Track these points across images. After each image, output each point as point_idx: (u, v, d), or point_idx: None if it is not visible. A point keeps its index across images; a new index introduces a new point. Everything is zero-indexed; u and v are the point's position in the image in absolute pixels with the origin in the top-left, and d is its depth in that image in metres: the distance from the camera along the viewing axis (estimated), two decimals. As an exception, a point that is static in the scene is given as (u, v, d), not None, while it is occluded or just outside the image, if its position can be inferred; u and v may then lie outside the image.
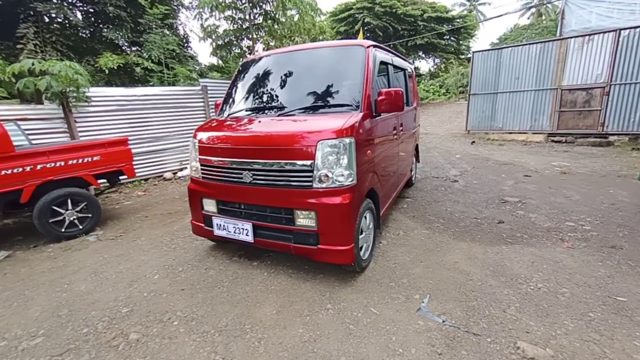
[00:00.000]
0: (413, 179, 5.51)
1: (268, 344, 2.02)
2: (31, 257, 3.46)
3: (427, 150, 8.98)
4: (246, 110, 3.05)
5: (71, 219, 3.85)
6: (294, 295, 2.52)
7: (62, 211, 3.78)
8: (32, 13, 9.25)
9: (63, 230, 3.81)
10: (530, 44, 9.48)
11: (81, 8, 10.65)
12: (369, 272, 2.82)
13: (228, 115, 3.14)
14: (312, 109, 2.75)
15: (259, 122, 2.76)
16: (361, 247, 2.73)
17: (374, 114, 2.82)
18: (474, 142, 10.02)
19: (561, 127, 9.24)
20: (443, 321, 2.13)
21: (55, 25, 10.11)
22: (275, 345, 2.00)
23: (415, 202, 4.63)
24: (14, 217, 3.71)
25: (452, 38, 22.84)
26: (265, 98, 3.06)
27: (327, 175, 2.37)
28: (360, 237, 2.66)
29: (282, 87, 3.04)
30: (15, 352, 2.05)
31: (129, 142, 6.44)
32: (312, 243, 2.49)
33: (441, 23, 20.94)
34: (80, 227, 3.94)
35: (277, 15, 10.37)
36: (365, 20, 19.67)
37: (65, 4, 10.12)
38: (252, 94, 3.17)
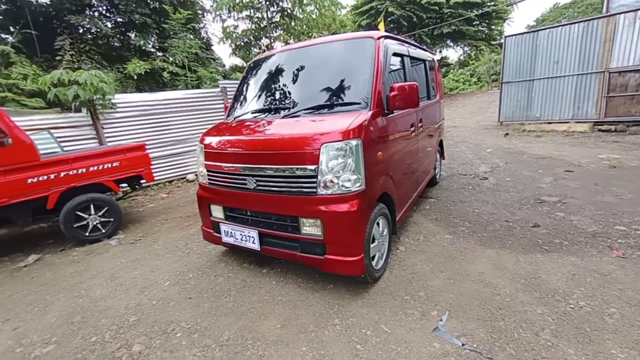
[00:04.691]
0: (437, 177, 5.16)
1: (268, 363, 1.90)
2: (57, 260, 3.62)
3: (454, 144, 8.47)
4: (252, 113, 2.94)
5: (94, 223, 3.99)
6: (301, 308, 2.39)
7: (86, 216, 3.92)
8: (67, 26, 9.85)
9: (87, 234, 3.96)
10: (570, 23, 8.58)
11: (111, 18, 11.18)
12: (383, 282, 2.61)
13: (234, 118, 3.05)
14: (318, 109, 2.57)
15: (263, 125, 2.63)
16: (373, 256, 2.53)
17: (385, 111, 2.59)
18: (507, 134, 9.30)
19: (610, 115, 8.30)
20: (463, 344, 1.89)
21: (88, 36, 10.69)
22: (275, 365, 1.88)
23: (438, 203, 4.31)
24: (43, 222, 3.91)
25: (482, 24, 21.41)
26: (270, 99, 2.93)
27: (332, 181, 2.19)
28: (372, 245, 2.46)
29: (287, 86, 2.89)
30: (28, 360, 2.09)
31: (154, 145, 6.71)
32: (319, 253, 2.33)
33: (469, 8, 19.69)
34: (103, 231, 4.08)
35: (294, 12, 10.24)
36: (389, 10, 18.97)
37: (96, 15, 10.68)
38: (257, 96, 3.05)
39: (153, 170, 6.69)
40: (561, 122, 9.08)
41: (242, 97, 3.19)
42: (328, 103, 2.57)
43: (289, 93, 2.85)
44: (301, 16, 10.29)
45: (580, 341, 1.85)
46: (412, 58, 3.55)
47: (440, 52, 25.10)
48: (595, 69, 8.31)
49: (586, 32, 8.25)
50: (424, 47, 4.54)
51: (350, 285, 2.59)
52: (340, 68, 2.75)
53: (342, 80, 2.65)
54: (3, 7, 9.80)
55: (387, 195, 2.70)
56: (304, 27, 10.52)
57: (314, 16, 11.20)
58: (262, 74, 3.13)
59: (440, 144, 5.19)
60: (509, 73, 9.98)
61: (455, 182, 5.21)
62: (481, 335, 1.96)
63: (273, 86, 2.98)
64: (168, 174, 7.07)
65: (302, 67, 2.90)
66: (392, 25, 21.26)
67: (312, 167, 2.21)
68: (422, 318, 2.16)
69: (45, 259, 3.68)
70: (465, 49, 24.56)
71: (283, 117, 2.64)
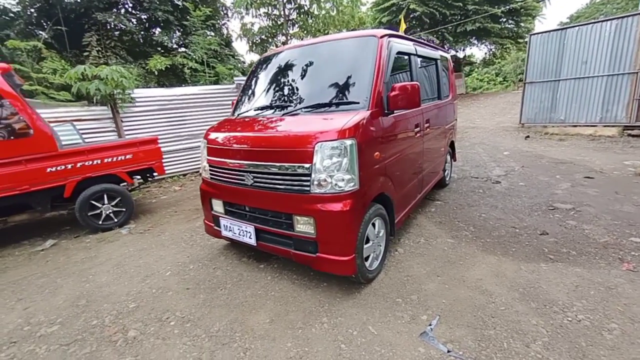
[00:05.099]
0: (447, 179, 5.05)
1: (253, 356, 1.93)
2: (72, 246, 3.82)
3: (470, 146, 8.23)
4: (254, 110, 2.98)
5: (107, 212, 4.19)
6: (292, 304, 2.41)
7: (100, 205, 4.11)
8: (94, 23, 10.29)
9: (100, 222, 4.15)
10: (602, 21, 8.09)
11: (135, 15, 11.57)
12: (377, 284, 2.60)
13: (238, 115, 3.11)
14: (317, 108, 2.57)
15: (262, 122, 2.67)
16: (367, 257, 2.52)
17: (386, 111, 2.56)
18: (528, 136, 8.93)
19: (642, 119, 7.79)
20: (448, 351, 1.86)
21: (116, 32, 11.12)
22: (259, 359, 1.91)
23: (445, 206, 4.21)
24: (61, 210, 4.14)
25: (509, 21, 20.57)
26: (271, 97, 2.96)
27: (326, 180, 2.20)
28: (366, 246, 2.45)
29: (289, 84, 2.90)
30: (33, 338, 2.24)
31: (170, 139, 6.93)
32: (311, 251, 2.35)
33: (496, 4, 18.94)
34: (115, 220, 4.27)
35: (311, 9, 10.22)
36: (411, 7, 18.56)
37: (122, 13, 11.09)
38: (259, 93, 3.09)
39: (168, 163, 6.95)
40: (587, 126, 8.61)
41: (245, 95, 3.25)
42: (327, 102, 2.56)
43: (290, 91, 2.87)
44: (318, 13, 10.26)
45: (573, 356, 1.77)
46: (420, 57, 3.48)
47: (464, 50, 24.39)
48: (627, 69, 7.81)
49: (619, 30, 7.76)
50: (436, 46, 4.43)
51: (344, 285, 2.59)
52: (341, 67, 2.74)
53: (343, 79, 2.64)
54: (37, 4, 10.36)
55: (385, 196, 2.67)
56: (321, 24, 10.49)
57: (333, 13, 11.15)
58: (265, 72, 3.17)
59: (452, 145, 5.07)
60: (533, 73, 9.57)
61: (465, 185, 5.07)
62: (469, 343, 1.92)
63: (275, 84, 3.01)
64: (182, 167, 7.28)
65: (305, 65, 2.91)
66: (414, 22, 20.83)
67: (306, 165, 2.22)
68: (410, 322, 2.14)
69: (60, 244, 3.90)
70: (490, 47, 23.70)
71: (283, 114, 2.67)
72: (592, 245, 2.95)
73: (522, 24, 20.83)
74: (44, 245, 3.84)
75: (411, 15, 20.10)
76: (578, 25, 8.57)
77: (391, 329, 2.08)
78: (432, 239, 3.30)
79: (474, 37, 21.69)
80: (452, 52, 23.75)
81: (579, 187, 4.56)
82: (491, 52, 25.00)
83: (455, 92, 5.11)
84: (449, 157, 5.02)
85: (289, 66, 3.00)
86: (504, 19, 20.34)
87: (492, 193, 4.60)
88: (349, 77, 2.62)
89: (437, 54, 4.12)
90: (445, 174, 4.90)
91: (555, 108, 9.20)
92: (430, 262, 2.86)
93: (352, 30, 13.38)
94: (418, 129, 3.27)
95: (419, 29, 20.36)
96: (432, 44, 4.28)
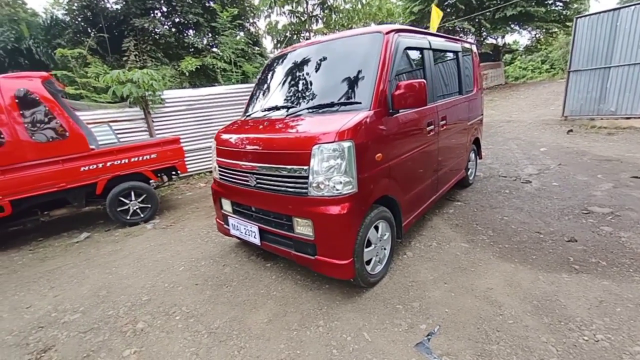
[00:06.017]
0: (471, 178, 4.77)
1: (246, 355, 1.98)
2: (102, 239, 4.15)
3: (504, 141, 7.70)
4: (261, 111, 3.00)
5: (134, 208, 4.48)
6: (292, 305, 2.43)
7: (127, 201, 4.42)
8: (132, 29, 10.97)
9: (128, 217, 4.46)
10: (664, -2, 7.12)
11: (169, 19, 12.16)
12: (380, 288, 2.53)
13: (247, 116, 3.16)
14: (320, 108, 2.53)
15: (265, 124, 2.69)
16: (369, 261, 2.47)
17: (390, 110, 2.46)
18: (571, 130, 8.15)
19: None
20: (443, 365, 1.77)
21: (155, 36, 11.77)
22: (251, 358, 1.95)
23: (465, 207, 3.99)
24: (95, 205, 4.51)
25: (557, 2, 18.81)
26: (277, 98, 2.96)
27: (323, 183, 2.17)
28: (367, 249, 2.40)
29: (294, 85, 2.90)
30: (58, 324, 2.46)
31: (197, 137, 7.25)
32: (310, 253, 2.34)
33: (541, -14, 17.42)
34: (142, 215, 4.56)
35: (335, 3, 10.06)
36: (444, -5, 17.66)
37: (158, 17, 11.71)
38: (266, 95, 3.11)
39: (195, 161, 7.28)
40: (643, 118, 7.68)
41: (255, 96, 3.30)
42: (330, 102, 2.51)
43: (295, 92, 2.86)
44: (343, 7, 10.09)
45: (583, 381, 1.60)
46: (436, 51, 3.30)
47: (503, 37, 22.76)
48: (694, 52, 6.84)
49: (684, 7, 6.79)
50: (457, 37, 4.17)
51: (345, 288, 2.56)
52: (345, 65, 2.67)
53: (347, 79, 2.58)
54: (83, 15, 11.26)
55: (390, 199, 2.59)
56: (345, 19, 10.31)
57: (359, 6, 10.91)
58: (273, 74, 3.18)
59: (477, 142, 4.77)
60: (578, 60, 8.69)
61: (491, 185, 4.76)
62: (467, 357, 1.81)
63: (281, 85, 3.01)
64: (208, 165, 7.58)
65: (311, 65, 2.87)
66: (448, 10, 19.80)
67: (305, 167, 2.21)
68: (408, 330, 2.06)
69: (93, 237, 4.25)
70: (533, 32, 21.88)
71: (287, 116, 2.66)
72: (628, 256, 2.63)
73: (573, 6, 18.93)
74: (79, 237, 4.21)
75: (445, 3, 19.12)
76: (634, 4, 7.62)
77: (386, 336, 2.02)
78: (445, 243, 3.15)
79: (515, 23, 20.13)
80: (491, 40, 22.30)
81: (622, 189, 4.09)
82: (534, 38, 23.07)
83: (480, 85, 4.79)
84: (473, 155, 4.75)
85: (295, 67, 2.99)
86: (550, 1, 18.65)
87: (519, 194, 4.27)
88: (352, 76, 2.55)
89: (457, 46, 3.87)
90: (469, 172, 4.64)
91: (605, 98, 8.31)
92: (439, 268, 2.73)
93: (380, 23, 13.00)
94: (431, 127, 3.11)
95: (453, 17, 19.33)
96: (452, 36, 4.04)
